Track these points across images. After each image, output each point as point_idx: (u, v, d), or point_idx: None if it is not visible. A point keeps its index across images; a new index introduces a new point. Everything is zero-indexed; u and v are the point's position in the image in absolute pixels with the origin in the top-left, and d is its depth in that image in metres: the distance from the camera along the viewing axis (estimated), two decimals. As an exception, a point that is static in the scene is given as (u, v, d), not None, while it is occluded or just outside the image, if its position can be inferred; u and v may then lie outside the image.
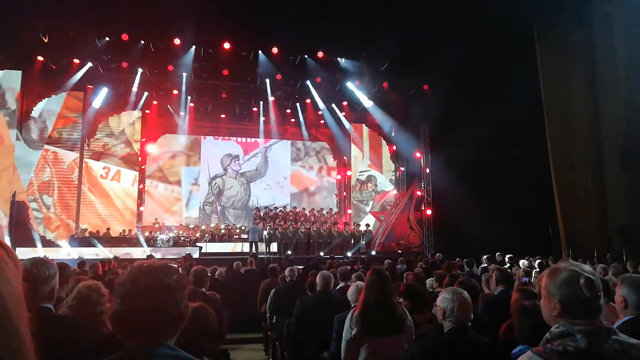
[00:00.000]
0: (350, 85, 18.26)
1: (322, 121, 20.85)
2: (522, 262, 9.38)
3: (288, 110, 20.48)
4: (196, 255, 14.90)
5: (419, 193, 19.98)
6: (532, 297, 2.84)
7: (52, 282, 2.34)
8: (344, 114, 20.51)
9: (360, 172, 21.65)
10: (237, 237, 18.64)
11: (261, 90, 18.40)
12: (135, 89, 17.63)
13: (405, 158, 21.14)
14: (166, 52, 15.70)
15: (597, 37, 15.00)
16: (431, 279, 5.77)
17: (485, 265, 8.95)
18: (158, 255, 14.66)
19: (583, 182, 15.24)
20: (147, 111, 19.52)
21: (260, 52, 16.02)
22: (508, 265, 9.38)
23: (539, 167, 15.18)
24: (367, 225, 18.82)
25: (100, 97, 17.85)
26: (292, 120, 21.12)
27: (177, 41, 15.15)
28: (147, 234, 17.69)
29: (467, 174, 15.64)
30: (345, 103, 20.00)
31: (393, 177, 21.78)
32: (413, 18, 12.90)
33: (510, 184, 14.95)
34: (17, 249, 13.75)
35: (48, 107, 17.55)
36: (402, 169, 21.41)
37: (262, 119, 20.55)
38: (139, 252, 15.60)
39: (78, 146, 18.07)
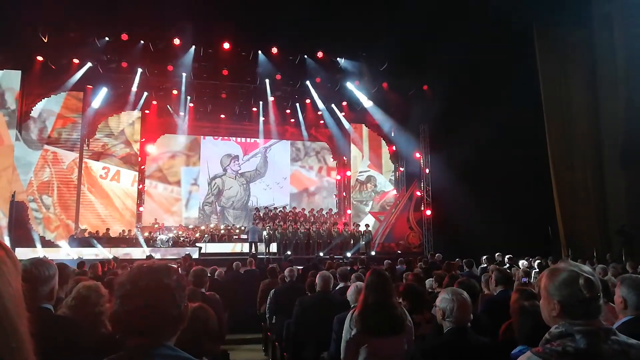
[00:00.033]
0: (349, 85, 18.25)
1: (322, 121, 20.84)
2: (522, 263, 9.37)
3: (288, 111, 20.48)
4: (196, 255, 14.89)
5: (418, 193, 19.97)
6: (532, 297, 2.84)
7: (51, 283, 2.34)
8: (343, 114, 20.51)
9: (360, 172, 21.64)
10: (236, 237, 18.65)
11: (261, 90, 18.40)
12: (134, 89, 17.62)
13: (405, 158, 21.14)
14: (166, 52, 15.69)
15: (597, 37, 15.00)
16: (431, 279, 5.76)
17: (485, 265, 8.95)
18: (157, 256, 14.66)
19: (583, 182, 15.23)
20: (147, 111, 19.51)
21: (259, 52, 16.01)
22: (507, 265, 9.37)
23: (539, 167, 15.18)
24: (367, 225, 18.82)
25: (100, 97, 17.86)
26: (292, 120, 21.12)
27: (176, 41, 15.15)
28: (146, 234, 17.69)
29: (467, 174, 15.63)
30: (344, 103, 19.99)
31: (393, 178, 21.79)
32: (413, 18, 12.88)
33: (510, 184, 14.95)
34: (17, 249, 13.77)
35: (47, 107, 17.54)
36: (401, 169, 21.41)
37: (261, 119, 20.54)
38: (139, 253, 15.60)
39: (77, 146, 18.06)
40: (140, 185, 19.63)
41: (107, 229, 17.54)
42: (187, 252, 13.72)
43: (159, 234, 17.61)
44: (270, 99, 18.86)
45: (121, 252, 15.08)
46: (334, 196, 22.47)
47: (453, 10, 12.96)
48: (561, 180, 15.10)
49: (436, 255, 12.60)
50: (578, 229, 14.89)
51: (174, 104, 19.21)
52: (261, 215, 19.45)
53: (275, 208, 20.22)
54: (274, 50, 15.78)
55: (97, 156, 18.85)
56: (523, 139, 15.09)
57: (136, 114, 19.32)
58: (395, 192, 21.46)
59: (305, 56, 16.34)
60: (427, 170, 19.68)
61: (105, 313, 2.67)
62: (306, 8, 12.41)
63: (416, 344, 3.29)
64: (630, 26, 14.08)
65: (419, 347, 3.04)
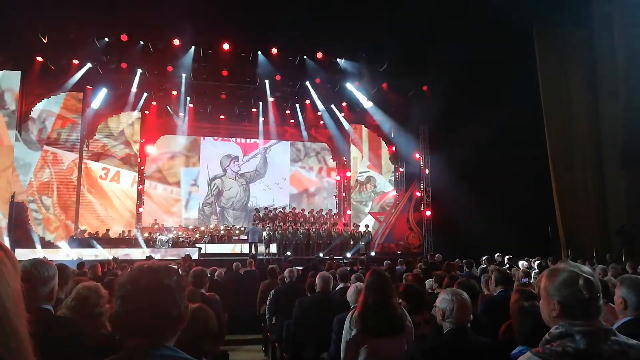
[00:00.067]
0: (349, 86, 18.25)
1: (322, 122, 20.84)
2: (522, 263, 9.38)
3: (287, 111, 20.48)
4: (195, 256, 14.88)
5: (418, 194, 19.96)
6: (532, 298, 2.83)
7: (51, 283, 2.34)
8: (343, 114, 20.52)
9: (360, 172, 21.65)
10: (236, 238, 18.65)
11: (260, 91, 18.40)
12: (134, 89, 17.62)
13: (405, 159, 21.13)
14: (165, 53, 15.69)
15: (597, 37, 14.99)
16: (430, 279, 5.76)
17: (485, 266, 8.94)
18: (157, 257, 14.65)
19: (583, 182, 15.21)
20: (147, 112, 19.51)
21: (259, 52, 16.01)
22: (507, 266, 9.37)
23: (539, 167, 15.16)
24: (367, 226, 18.81)
25: (100, 97, 17.86)
26: (292, 121, 21.12)
27: (176, 42, 15.15)
28: (146, 235, 17.69)
29: (467, 175, 15.63)
30: (344, 104, 19.99)
31: (392, 178, 21.79)
32: (413, 18, 12.88)
33: (510, 184, 14.94)
34: (17, 250, 13.75)
35: (47, 108, 17.54)
36: (401, 169, 21.41)
37: (261, 119, 20.54)
38: (138, 253, 15.58)
39: (77, 147, 18.06)
40: (140, 186, 19.64)
41: (107, 230, 17.54)
42: (187, 253, 13.70)
43: (159, 235, 17.60)
44: (270, 99, 18.87)
45: (121, 252, 15.07)
46: (334, 197, 22.47)
47: (453, 10, 12.95)
48: (561, 180, 15.08)
49: (436, 255, 12.60)
50: (578, 229, 14.87)
51: (174, 105, 19.21)
52: (261, 215, 19.45)
53: (275, 209, 20.21)
54: (274, 50, 15.78)
55: (97, 157, 18.86)
56: (523, 139, 15.08)
57: (136, 114, 19.33)
58: (395, 192, 21.46)
59: (305, 57, 16.33)
60: (427, 171, 19.67)
61: (105, 314, 2.68)
62: (306, 8, 12.40)
63: (416, 345, 3.29)
64: (630, 26, 14.08)
65: (419, 347, 3.03)
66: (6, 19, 13.02)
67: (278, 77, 17.38)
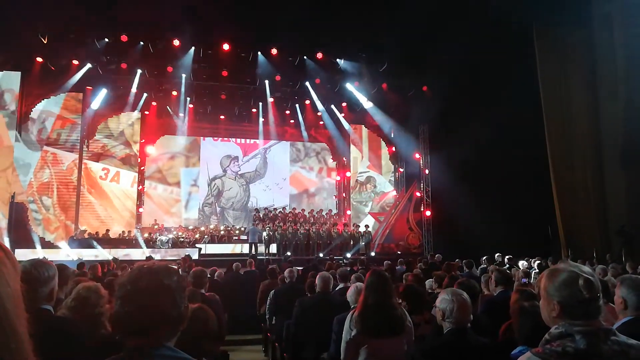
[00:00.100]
0: (349, 86, 18.25)
1: (322, 122, 20.84)
2: (522, 263, 9.38)
3: (287, 112, 20.48)
4: (195, 256, 14.88)
5: (418, 194, 19.96)
6: (532, 298, 2.84)
7: (51, 284, 2.34)
8: (343, 115, 20.52)
9: (360, 173, 21.65)
10: (236, 238, 18.65)
11: (260, 91, 18.40)
12: (134, 90, 17.62)
13: (405, 159, 21.14)
14: (165, 53, 15.69)
15: (597, 37, 14.98)
16: (430, 280, 5.76)
17: (485, 266, 8.94)
18: (157, 257, 14.67)
19: (583, 182, 15.21)
20: (147, 112, 19.52)
21: (259, 53, 16.01)
22: (507, 266, 9.37)
23: (539, 167, 15.16)
24: (367, 226, 18.80)
25: (100, 98, 17.86)
26: (292, 121, 21.12)
27: (176, 42, 15.14)
28: (146, 235, 17.69)
29: (467, 175, 15.63)
30: (344, 104, 19.99)
31: (392, 178, 21.79)
32: (413, 18, 12.88)
33: (510, 184, 14.94)
34: (16, 250, 13.75)
35: (47, 108, 17.55)
36: (401, 169, 21.41)
37: (261, 120, 20.55)
38: (138, 254, 15.59)
39: (77, 147, 18.07)
40: (140, 186, 19.64)
41: (107, 230, 17.55)
42: (187, 253, 13.70)
43: (159, 235, 17.60)
44: (270, 99, 18.87)
45: (121, 253, 15.07)
46: (334, 197, 22.47)
47: (453, 10, 12.94)
48: (561, 180, 15.08)
49: (436, 255, 12.60)
50: (578, 229, 14.87)
51: (174, 105, 19.21)
52: (261, 216, 19.45)
53: (275, 209, 20.21)
54: (274, 51, 15.77)
55: (97, 157, 18.87)
56: (523, 139, 15.08)
57: (136, 115, 19.33)
58: (394, 192, 21.46)
59: (305, 57, 16.33)
60: (427, 171, 19.67)
61: (104, 314, 2.68)
62: (306, 8, 12.41)
63: (416, 345, 3.29)
64: (630, 26, 14.07)
65: (419, 347, 3.03)
66: (6, 19, 13.02)
67: (278, 78, 17.38)
